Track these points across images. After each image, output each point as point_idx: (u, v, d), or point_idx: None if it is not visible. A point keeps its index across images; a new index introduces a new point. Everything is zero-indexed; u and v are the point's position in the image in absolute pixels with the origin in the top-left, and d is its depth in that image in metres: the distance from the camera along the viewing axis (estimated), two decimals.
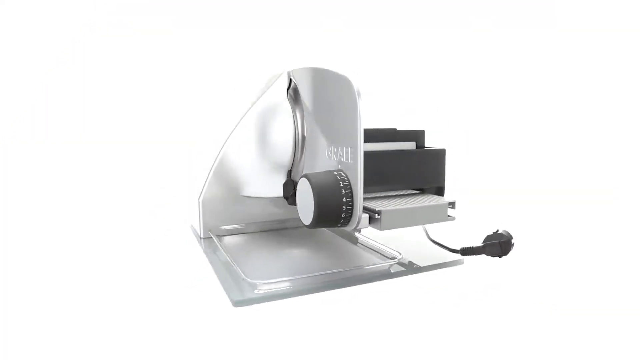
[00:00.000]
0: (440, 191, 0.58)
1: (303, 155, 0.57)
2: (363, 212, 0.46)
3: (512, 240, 0.55)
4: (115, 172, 0.76)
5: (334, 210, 0.44)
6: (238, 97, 0.62)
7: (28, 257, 0.54)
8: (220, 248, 0.52)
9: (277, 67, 0.61)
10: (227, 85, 0.72)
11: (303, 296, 0.44)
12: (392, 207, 0.47)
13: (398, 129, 0.60)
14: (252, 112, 0.59)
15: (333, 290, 0.45)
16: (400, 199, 0.52)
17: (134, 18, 0.75)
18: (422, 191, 0.57)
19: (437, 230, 0.61)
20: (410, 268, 0.50)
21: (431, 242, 0.57)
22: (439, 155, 0.57)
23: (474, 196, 0.84)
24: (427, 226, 0.60)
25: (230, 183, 0.60)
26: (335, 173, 0.45)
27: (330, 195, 0.44)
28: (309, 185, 0.44)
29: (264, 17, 0.80)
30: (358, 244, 0.58)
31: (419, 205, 0.49)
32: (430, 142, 0.63)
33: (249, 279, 0.42)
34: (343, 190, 0.44)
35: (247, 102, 0.60)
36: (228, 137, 0.59)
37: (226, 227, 0.61)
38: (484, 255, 0.54)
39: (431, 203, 0.50)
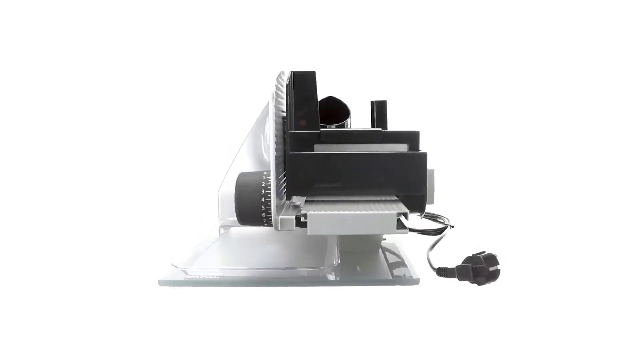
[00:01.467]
0: (421, 200, 0.52)
1: None
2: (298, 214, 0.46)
3: (495, 268, 0.45)
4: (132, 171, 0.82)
5: (252, 209, 0.46)
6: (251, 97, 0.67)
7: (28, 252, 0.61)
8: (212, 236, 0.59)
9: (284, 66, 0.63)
10: (240, 86, 0.77)
11: (227, 287, 0.46)
12: (322, 212, 0.46)
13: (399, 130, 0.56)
14: (265, 110, 0.63)
15: (256, 287, 0.46)
16: (354, 205, 0.49)
17: (135, 19, 0.82)
18: (398, 199, 0.52)
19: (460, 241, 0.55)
20: (343, 279, 0.47)
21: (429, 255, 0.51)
22: (416, 160, 0.51)
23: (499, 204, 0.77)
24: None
25: None
26: (265, 173, 0.47)
27: (249, 194, 0.46)
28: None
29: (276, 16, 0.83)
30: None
31: (356, 212, 0.46)
32: (434, 146, 0.56)
33: (177, 265, 0.47)
34: (263, 191, 0.45)
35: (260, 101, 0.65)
36: (248, 133, 0.65)
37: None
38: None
39: (374, 211, 0.46)
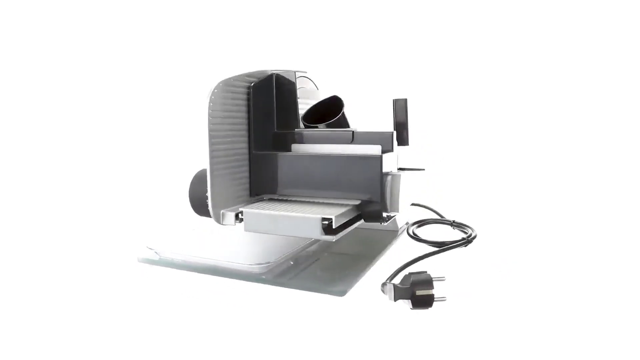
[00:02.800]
0: (375, 207, 0.47)
1: None
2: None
3: (425, 293, 0.39)
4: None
5: (200, 201, 0.49)
6: None
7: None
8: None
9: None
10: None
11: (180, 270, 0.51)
12: (256, 210, 0.46)
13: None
14: None
15: (202, 274, 0.49)
16: (304, 206, 0.48)
17: (129, 17, 0.81)
18: (359, 204, 0.48)
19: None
20: (269, 279, 0.46)
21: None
22: (367, 163, 0.46)
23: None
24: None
25: None
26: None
27: (198, 188, 0.49)
28: None
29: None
30: None
31: (284, 213, 0.45)
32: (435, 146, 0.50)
33: (151, 247, 0.53)
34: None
35: None
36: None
37: None
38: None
39: (300, 214, 0.44)
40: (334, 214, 0.43)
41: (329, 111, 0.59)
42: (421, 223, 0.64)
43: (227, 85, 0.48)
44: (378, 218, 0.47)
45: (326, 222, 0.43)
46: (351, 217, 0.47)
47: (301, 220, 0.44)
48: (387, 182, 0.47)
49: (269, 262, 0.47)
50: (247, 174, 0.52)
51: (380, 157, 0.46)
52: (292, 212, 0.45)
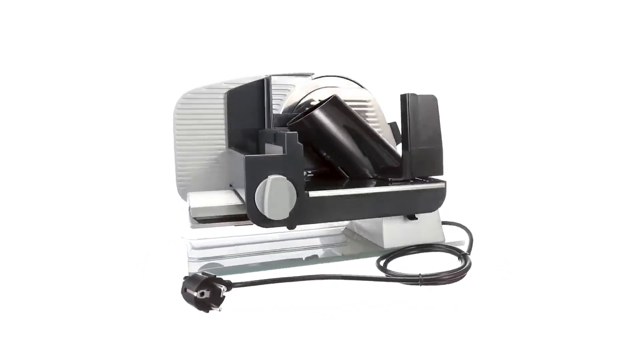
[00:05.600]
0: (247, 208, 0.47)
1: None
2: None
3: (189, 291, 0.40)
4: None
5: None
6: None
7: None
8: None
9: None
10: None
11: None
12: (191, 194, 0.56)
13: None
14: None
15: None
16: (225, 197, 0.54)
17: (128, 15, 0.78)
18: None
19: None
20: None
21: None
22: (243, 164, 0.47)
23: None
24: None
25: None
26: None
27: None
28: None
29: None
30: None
31: (192, 199, 0.53)
32: None
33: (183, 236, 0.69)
34: None
35: None
36: None
37: None
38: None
39: (192, 203, 0.51)
40: (202, 205, 0.48)
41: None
42: (393, 255, 0.52)
43: (198, 92, 0.59)
44: (253, 221, 0.47)
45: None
46: (234, 214, 0.49)
47: (189, 207, 0.51)
48: (259, 186, 0.46)
49: (200, 239, 0.56)
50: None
51: (245, 158, 0.46)
52: (198, 200, 0.52)
